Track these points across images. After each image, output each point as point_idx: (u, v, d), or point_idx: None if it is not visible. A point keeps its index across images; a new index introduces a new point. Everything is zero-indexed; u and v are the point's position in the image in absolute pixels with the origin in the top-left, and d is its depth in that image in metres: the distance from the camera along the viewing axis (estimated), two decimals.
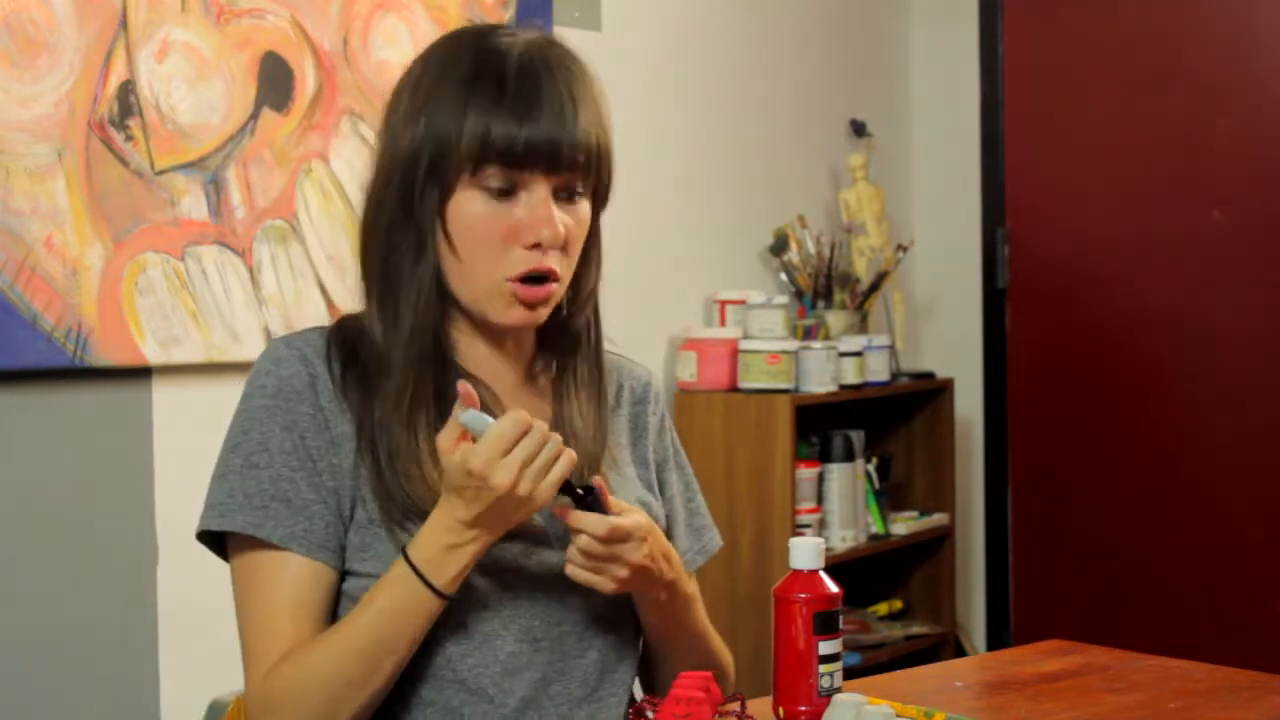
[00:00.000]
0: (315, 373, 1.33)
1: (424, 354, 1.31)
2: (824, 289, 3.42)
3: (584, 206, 1.33)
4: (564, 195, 1.31)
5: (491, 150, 1.26)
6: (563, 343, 1.42)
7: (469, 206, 1.29)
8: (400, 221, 1.30)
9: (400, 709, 1.31)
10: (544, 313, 1.34)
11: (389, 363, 1.31)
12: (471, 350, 1.38)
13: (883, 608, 3.57)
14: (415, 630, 1.26)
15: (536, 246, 1.29)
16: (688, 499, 1.54)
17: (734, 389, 3.14)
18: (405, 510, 1.29)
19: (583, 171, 1.30)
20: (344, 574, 1.32)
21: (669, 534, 1.50)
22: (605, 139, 1.32)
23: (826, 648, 1.31)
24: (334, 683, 1.24)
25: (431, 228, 1.29)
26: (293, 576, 1.29)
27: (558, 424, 1.39)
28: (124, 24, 2.27)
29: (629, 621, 1.41)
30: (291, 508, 1.28)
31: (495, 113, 1.26)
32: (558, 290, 1.33)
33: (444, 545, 1.24)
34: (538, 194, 1.29)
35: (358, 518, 1.30)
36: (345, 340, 1.36)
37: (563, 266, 1.32)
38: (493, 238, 1.29)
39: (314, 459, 1.30)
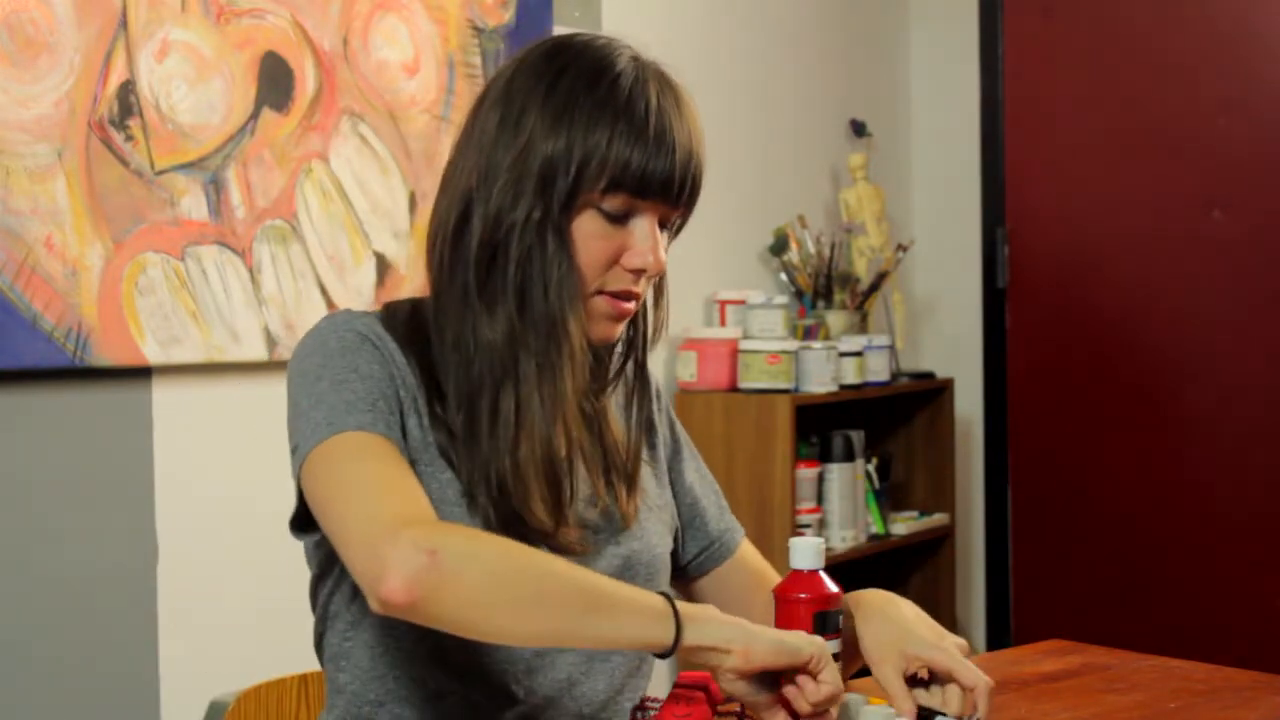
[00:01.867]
0: (388, 347, 1.32)
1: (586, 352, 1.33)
2: (824, 289, 3.42)
3: (669, 237, 1.37)
4: (662, 225, 1.34)
5: (626, 181, 1.29)
6: (622, 366, 1.44)
7: (588, 225, 1.31)
8: (536, 227, 1.30)
9: (422, 698, 1.31)
10: (622, 329, 1.38)
11: (502, 368, 1.30)
12: None
13: None
14: (627, 643, 1.19)
15: (636, 272, 1.33)
16: (714, 487, 1.57)
17: (734, 389, 3.14)
18: (503, 506, 1.29)
19: (689, 204, 1.35)
20: None
21: (695, 522, 1.51)
22: (702, 172, 1.35)
23: (827, 648, 1.31)
24: (558, 593, 1.15)
25: (569, 236, 1.30)
26: (402, 460, 1.25)
27: (590, 446, 1.41)
28: (124, 24, 2.27)
29: None
30: (390, 414, 1.26)
31: (636, 146, 1.28)
32: (635, 309, 1.37)
33: (719, 621, 1.19)
34: (648, 223, 1.32)
35: (421, 475, 1.28)
36: (398, 326, 1.35)
37: (644, 288, 1.36)
38: (600, 258, 1.31)
39: (390, 398, 1.28)
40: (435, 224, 1.34)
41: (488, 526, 1.28)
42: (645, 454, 1.47)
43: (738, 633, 1.18)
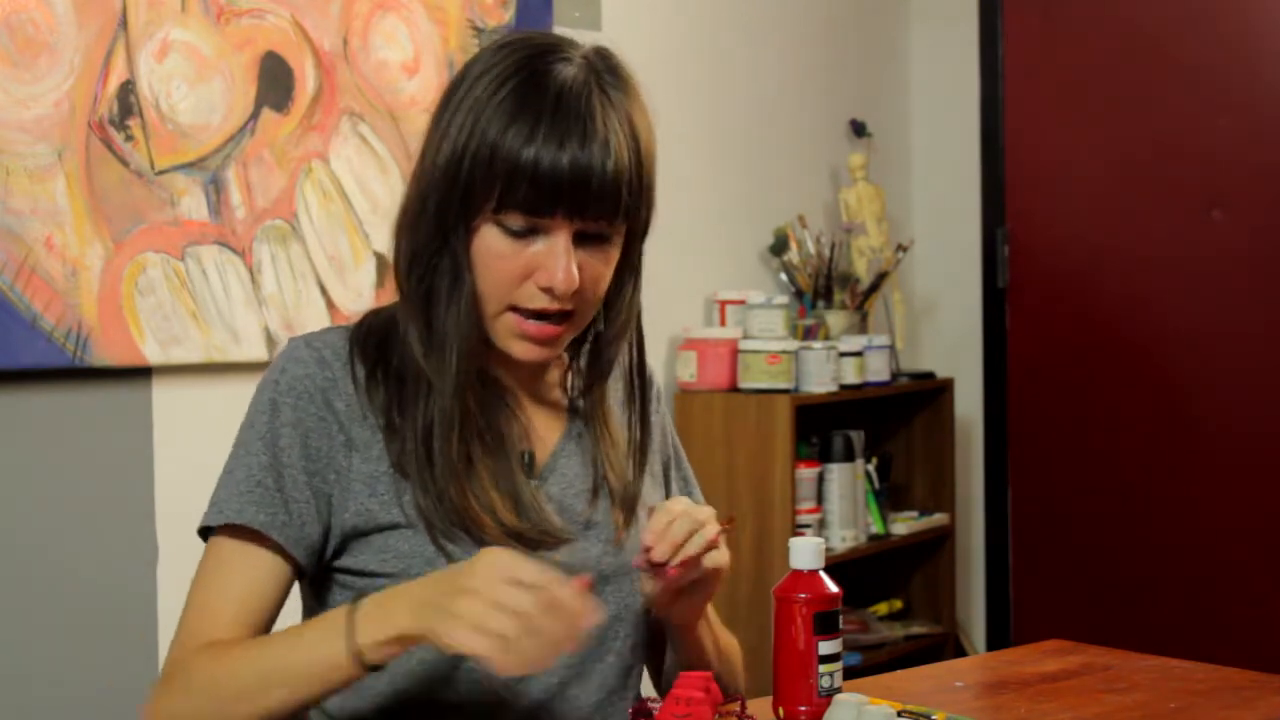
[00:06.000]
0: (334, 376, 1.32)
1: (469, 380, 1.30)
2: (824, 289, 3.42)
3: (612, 249, 1.31)
4: (588, 238, 1.28)
5: (515, 195, 1.24)
6: (596, 367, 1.41)
7: (489, 241, 1.27)
8: (438, 245, 1.29)
9: (415, 708, 1.31)
10: (554, 350, 1.33)
11: (431, 384, 1.30)
12: (495, 357, 1.36)
13: (883, 608, 3.57)
14: (319, 683, 1.20)
15: (547, 290, 1.27)
16: (686, 494, 1.55)
17: (734, 389, 3.14)
18: (450, 522, 1.29)
19: (609, 218, 1.27)
20: (356, 573, 1.31)
21: None
22: (642, 178, 1.29)
23: (827, 648, 1.32)
24: (229, 690, 1.22)
25: (466, 255, 1.28)
26: (254, 565, 1.29)
27: (580, 444, 1.40)
28: (124, 24, 2.27)
29: (644, 624, 1.41)
30: (276, 496, 1.28)
31: (524, 153, 1.23)
32: (569, 331, 1.32)
33: (384, 603, 1.19)
34: (557, 240, 1.26)
35: (381, 520, 1.29)
36: (370, 339, 1.35)
37: (582, 305, 1.30)
38: (504, 277, 1.28)
39: (311, 459, 1.30)
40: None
41: (445, 540, 1.28)
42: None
43: (415, 618, 1.15)
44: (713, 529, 1.29)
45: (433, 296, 1.29)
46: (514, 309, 1.29)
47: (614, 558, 1.36)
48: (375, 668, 1.18)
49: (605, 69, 1.30)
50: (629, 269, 1.36)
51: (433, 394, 1.30)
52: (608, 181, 1.25)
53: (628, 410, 1.43)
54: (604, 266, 1.30)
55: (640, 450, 1.42)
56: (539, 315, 1.29)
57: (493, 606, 1.10)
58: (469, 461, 1.29)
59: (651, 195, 1.32)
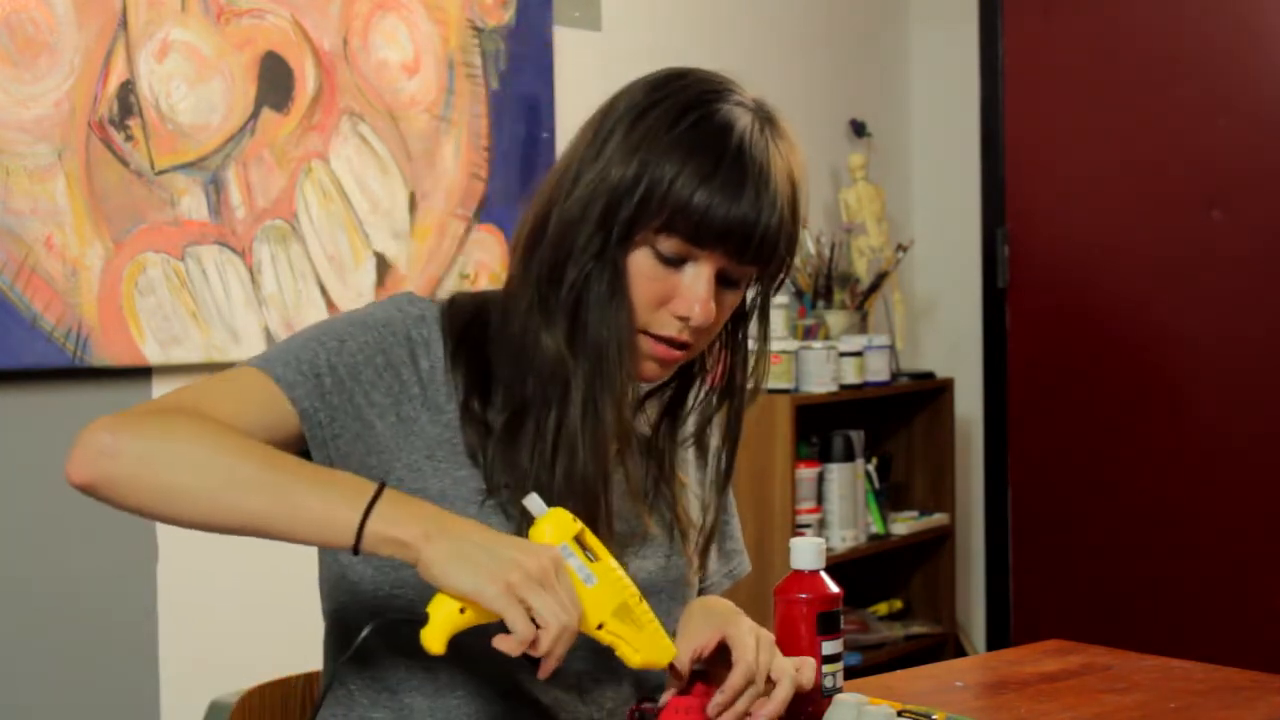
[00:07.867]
0: (427, 337, 1.32)
1: (628, 386, 1.30)
2: (824, 289, 3.42)
3: (739, 294, 1.33)
4: (725, 279, 1.30)
5: (682, 222, 1.26)
6: (680, 406, 1.42)
7: (640, 261, 1.29)
8: (594, 252, 1.28)
9: (433, 690, 1.30)
10: (669, 373, 1.35)
11: (564, 385, 1.29)
12: None
13: (883, 608, 3.57)
14: (307, 526, 1.15)
15: (682, 319, 1.29)
16: (723, 521, 1.54)
17: None
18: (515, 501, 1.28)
19: (752, 265, 1.30)
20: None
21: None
22: (792, 236, 1.31)
23: (828, 648, 1.32)
24: (219, 465, 1.17)
25: (625, 267, 1.29)
26: (277, 415, 1.25)
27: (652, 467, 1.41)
28: (124, 24, 2.27)
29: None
30: (326, 398, 1.27)
31: (702, 188, 1.25)
32: (683, 359, 1.34)
33: (407, 511, 1.15)
34: (703, 273, 1.28)
35: (429, 485, 1.28)
36: (458, 320, 1.35)
37: (699, 341, 1.33)
38: (647, 298, 1.29)
39: (380, 390, 1.29)
40: (520, 227, 1.35)
41: (506, 522, 1.27)
42: (694, 482, 1.46)
43: (434, 554, 1.12)
44: (785, 689, 1.26)
45: (583, 301, 1.29)
46: (644, 332, 1.30)
47: (663, 574, 1.37)
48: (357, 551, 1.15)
49: (767, 119, 1.32)
50: (760, 329, 1.38)
51: (567, 394, 1.29)
52: (769, 236, 1.28)
53: (700, 485, 1.45)
54: (728, 308, 1.33)
55: (708, 537, 1.43)
56: (664, 340, 1.31)
57: (549, 595, 1.11)
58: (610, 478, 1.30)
59: (795, 250, 1.34)
